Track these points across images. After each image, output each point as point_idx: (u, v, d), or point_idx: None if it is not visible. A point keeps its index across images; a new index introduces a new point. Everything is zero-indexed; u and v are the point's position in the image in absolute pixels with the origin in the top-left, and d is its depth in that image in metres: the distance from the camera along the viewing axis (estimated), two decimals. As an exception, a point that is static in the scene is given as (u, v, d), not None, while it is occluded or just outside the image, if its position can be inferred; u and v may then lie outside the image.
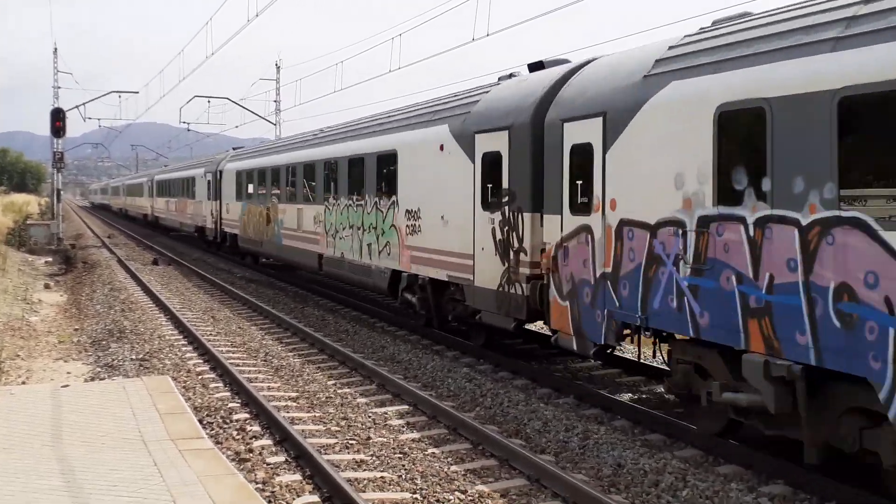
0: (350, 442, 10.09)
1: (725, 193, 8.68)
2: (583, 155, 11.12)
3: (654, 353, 12.29)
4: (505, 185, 13.14)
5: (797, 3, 8.77)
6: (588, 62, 12.36)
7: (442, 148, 15.17)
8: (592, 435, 10.19)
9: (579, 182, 11.20)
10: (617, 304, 10.43)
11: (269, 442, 10.00)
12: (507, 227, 13.06)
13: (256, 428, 10.58)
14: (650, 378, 13.12)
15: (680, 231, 9.26)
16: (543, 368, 13.72)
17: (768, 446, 9.63)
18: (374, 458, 9.49)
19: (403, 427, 10.81)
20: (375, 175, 18.33)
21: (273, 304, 21.88)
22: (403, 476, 8.87)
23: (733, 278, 8.57)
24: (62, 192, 46.42)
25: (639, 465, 9.14)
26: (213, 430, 10.44)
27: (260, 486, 8.44)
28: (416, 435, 10.41)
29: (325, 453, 9.50)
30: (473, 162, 14.04)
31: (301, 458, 9.31)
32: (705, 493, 8.29)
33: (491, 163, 13.51)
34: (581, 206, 11.19)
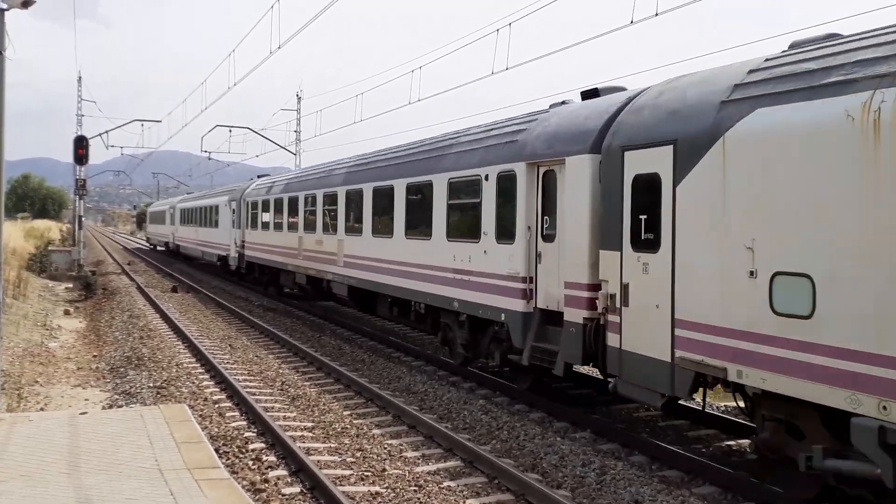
0: (365, 473, 10.06)
1: None
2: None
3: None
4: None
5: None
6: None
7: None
8: (609, 470, 10.12)
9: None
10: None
11: (285, 472, 9.98)
12: None
13: (272, 458, 10.57)
14: (668, 414, 13.02)
15: None
16: (559, 404, 13.64)
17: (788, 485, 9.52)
18: (389, 490, 9.46)
19: (419, 459, 10.77)
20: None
21: (290, 332, 21.92)
22: (419, 509, 8.83)
23: None
24: (83, 219, 46.87)
25: (656, 501, 9.05)
26: (229, 459, 10.44)
27: (275, 517, 8.42)
28: (431, 467, 10.37)
29: (341, 485, 9.48)
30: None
31: (316, 489, 9.29)
32: (723, 532, 8.19)
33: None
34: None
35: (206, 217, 43.25)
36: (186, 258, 53.31)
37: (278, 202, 28.68)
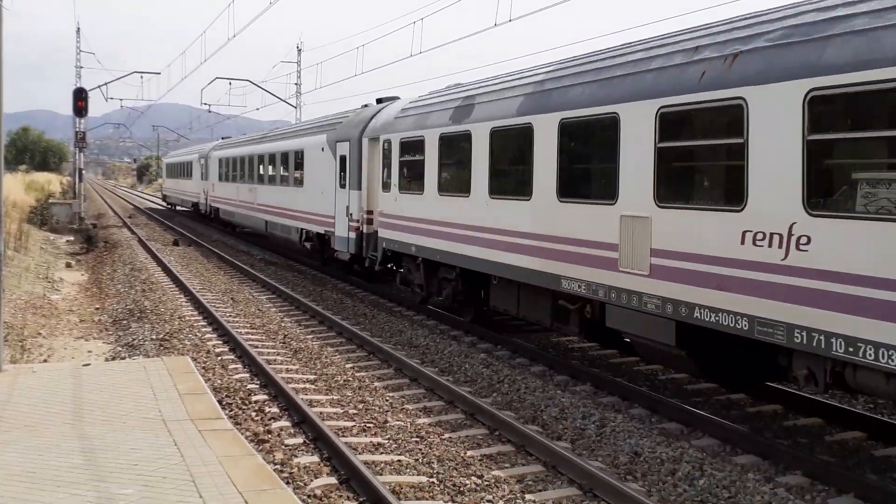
0: (367, 425, 10.15)
1: None
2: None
3: None
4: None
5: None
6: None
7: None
8: (609, 422, 10.20)
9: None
10: None
11: (288, 424, 10.07)
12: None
13: (275, 410, 10.66)
14: (668, 367, 13.09)
15: None
16: (561, 356, 13.72)
17: (786, 437, 9.62)
18: (391, 441, 9.55)
19: (420, 411, 10.85)
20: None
21: (292, 286, 21.97)
22: (420, 460, 8.92)
23: None
24: (84, 172, 46.76)
25: (656, 453, 9.14)
26: (232, 410, 10.53)
27: (278, 467, 8.51)
28: (432, 419, 10.45)
29: (343, 436, 9.56)
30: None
31: (319, 440, 9.38)
32: (722, 483, 8.29)
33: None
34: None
35: (273, 169, 29.01)
36: (227, 226, 39.84)
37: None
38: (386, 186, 18.29)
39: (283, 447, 9.22)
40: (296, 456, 8.95)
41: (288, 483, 8.07)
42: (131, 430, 8.76)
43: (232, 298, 19.94)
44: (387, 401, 11.28)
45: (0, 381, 10.64)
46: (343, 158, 21.22)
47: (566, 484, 8.32)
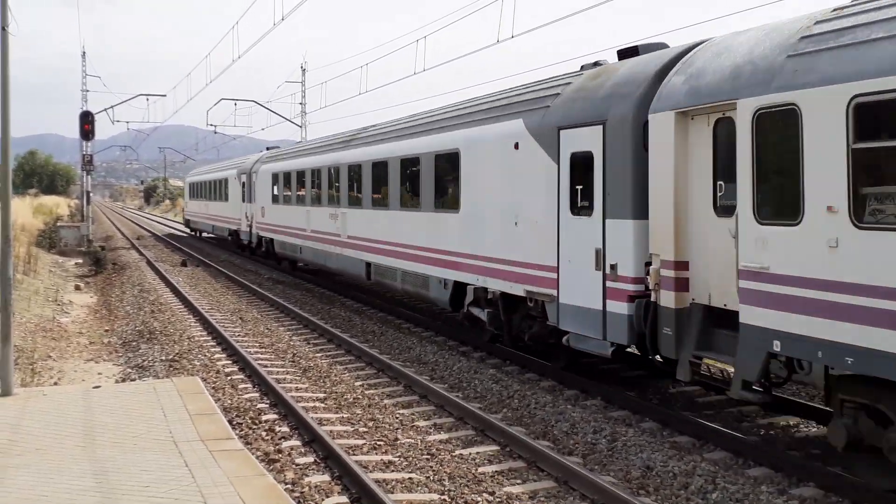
0: (378, 443, 10.13)
1: None
2: None
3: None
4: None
5: None
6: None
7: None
8: (620, 437, 10.16)
9: None
10: None
11: (298, 443, 10.06)
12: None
13: (285, 429, 10.65)
14: (678, 381, 13.02)
15: None
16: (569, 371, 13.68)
17: (799, 448, 9.57)
18: (401, 459, 9.53)
19: (430, 428, 10.83)
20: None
21: (300, 305, 21.99)
22: (431, 477, 8.90)
23: None
24: (90, 194, 47.00)
25: (668, 467, 9.10)
26: (242, 430, 10.52)
27: (289, 486, 8.50)
28: (443, 436, 10.43)
29: (354, 454, 9.55)
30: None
31: (329, 458, 9.37)
32: (735, 496, 8.24)
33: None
34: None
35: (375, 181, 20.01)
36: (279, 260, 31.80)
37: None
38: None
39: (293, 466, 9.21)
40: (307, 475, 8.93)
41: (299, 502, 8.06)
42: (142, 451, 8.75)
43: (240, 318, 19.96)
44: (397, 418, 11.26)
45: (11, 405, 10.66)
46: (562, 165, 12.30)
47: (578, 499, 8.29)
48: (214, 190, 43.39)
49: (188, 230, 56.52)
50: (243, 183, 36.12)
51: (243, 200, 35.98)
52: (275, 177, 30.36)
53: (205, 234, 50.03)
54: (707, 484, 8.56)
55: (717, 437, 9.91)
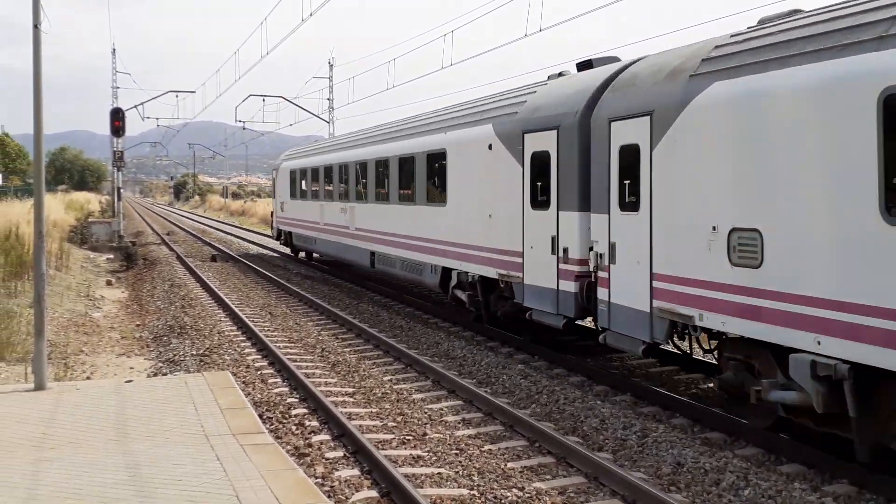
0: (407, 437, 10.15)
1: None
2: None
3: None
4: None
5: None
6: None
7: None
8: (651, 433, 10.10)
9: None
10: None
11: (328, 437, 10.10)
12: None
13: (315, 423, 10.70)
14: (709, 375, 12.95)
15: None
16: (599, 366, 13.63)
17: (830, 444, 9.45)
18: (430, 454, 9.53)
19: (459, 423, 10.83)
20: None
21: (328, 300, 22.07)
22: (460, 472, 8.90)
23: None
24: (122, 190, 47.46)
25: (699, 463, 9.04)
26: (272, 424, 10.58)
27: (319, 480, 8.54)
28: (472, 431, 10.42)
29: (383, 449, 9.57)
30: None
31: (359, 453, 9.40)
32: (768, 493, 8.17)
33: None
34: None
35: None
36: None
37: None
38: None
39: (323, 461, 9.25)
40: (337, 469, 8.97)
41: (329, 497, 8.09)
42: (174, 445, 8.83)
43: (270, 313, 20.08)
44: (425, 413, 11.27)
45: (44, 399, 10.80)
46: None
47: (608, 496, 8.25)
48: (327, 177, 26.98)
49: (280, 243, 35.64)
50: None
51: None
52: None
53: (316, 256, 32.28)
54: (739, 480, 8.49)
55: (748, 433, 9.83)
